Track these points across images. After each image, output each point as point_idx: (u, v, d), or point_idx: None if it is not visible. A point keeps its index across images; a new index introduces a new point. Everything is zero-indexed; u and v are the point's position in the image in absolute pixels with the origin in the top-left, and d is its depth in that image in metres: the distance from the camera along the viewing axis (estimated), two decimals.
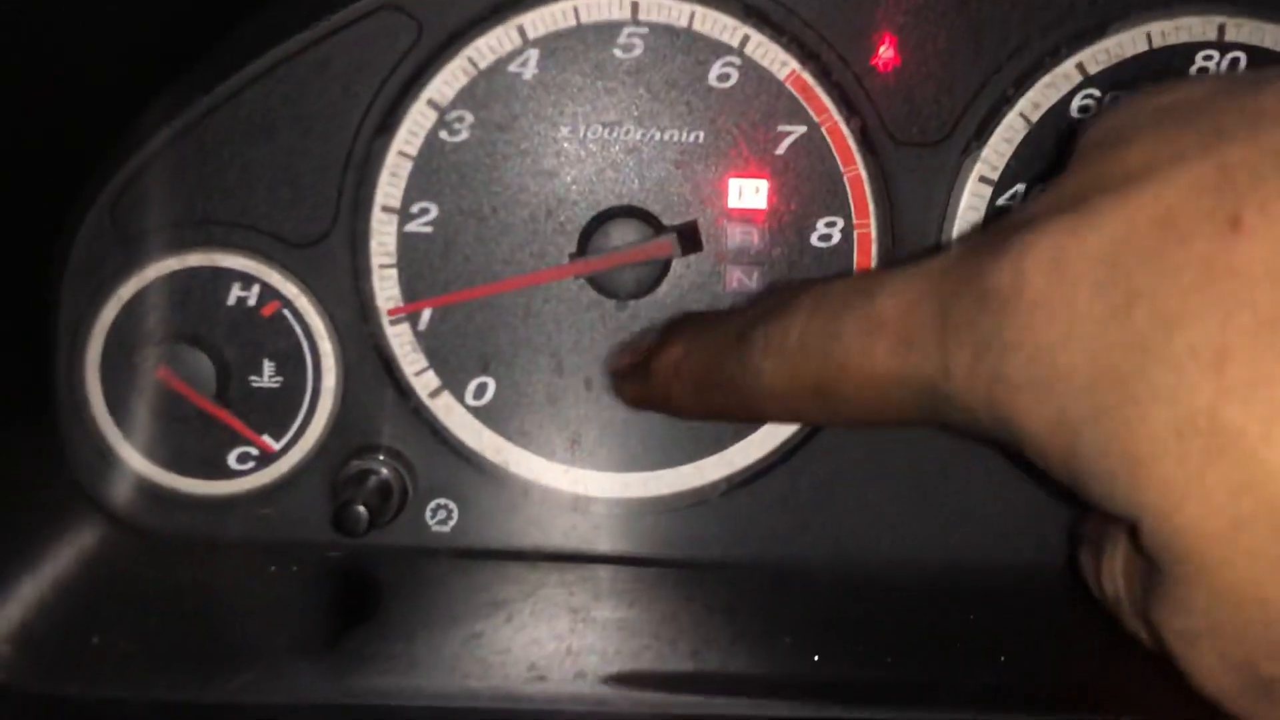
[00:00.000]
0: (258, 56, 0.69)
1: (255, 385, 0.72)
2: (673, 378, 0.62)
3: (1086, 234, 0.39)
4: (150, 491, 0.72)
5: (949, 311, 0.43)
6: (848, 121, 0.71)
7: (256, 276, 0.71)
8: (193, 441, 0.72)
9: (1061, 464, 0.41)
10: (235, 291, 0.71)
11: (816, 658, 0.62)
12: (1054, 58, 0.70)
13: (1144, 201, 0.38)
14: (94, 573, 0.68)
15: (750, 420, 0.64)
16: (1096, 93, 0.70)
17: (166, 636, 0.63)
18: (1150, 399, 0.37)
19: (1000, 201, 0.71)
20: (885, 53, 0.71)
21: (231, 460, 0.73)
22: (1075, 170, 0.44)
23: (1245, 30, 0.70)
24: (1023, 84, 0.70)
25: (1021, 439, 0.42)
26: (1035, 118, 0.71)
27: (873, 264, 0.72)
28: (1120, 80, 0.70)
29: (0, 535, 0.65)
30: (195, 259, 0.71)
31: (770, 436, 0.73)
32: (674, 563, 0.73)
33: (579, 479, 0.73)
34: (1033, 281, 0.39)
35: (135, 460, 0.72)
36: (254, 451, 0.72)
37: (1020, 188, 0.71)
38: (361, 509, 0.67)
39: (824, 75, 0.70)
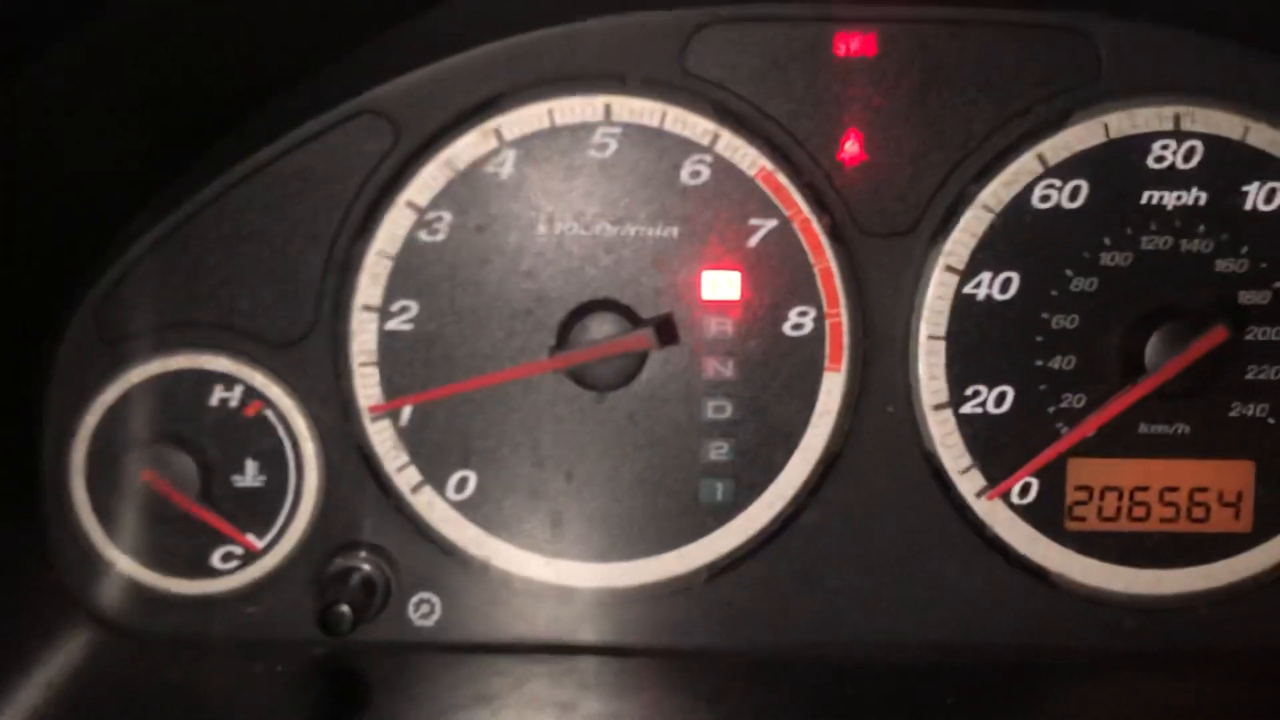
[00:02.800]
0: (240, 163, 0.71)
1: (239, 485, 0.73)
2: None
3: None
4: (137, 593, 0.73)
5: None
6: (817, 215, 0.73)
7: (239, 377, 0.72)
8: (178, 542, 0.73)
9: None
10: (218, 393, 0.72)
11: None
12: (1015, 151, 0.73)
13: None
14: (84, 675, 0.68)
15: None
16: (1057, 182, 0.73)
17: None
18: None
19: (966, 290, 0.73)
20: (851, 148, 0.73)
21: (216, 559, 0.73)
22: None
23: (1201, 120, 0.72)
24: (985, 176, 0.73)
25: None
26: (998, 208, 0.73)
27: (844, 352, 0.73)
28: (1080, 170, 0.72)
29: None
30: (178, 361, 0.72)
31: (750, 524, 0.74)
32: (659, 651, 0.74)
33: (561, 570, 0.74)
34: None
35: (121, 562, 0.73)
36: (238, 550, 0.73)
37: (986, 276, 0.73)
38: (345, 609, 0.68)
39: (793, 171, 0.72)
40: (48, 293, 0.71)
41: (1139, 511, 0.75)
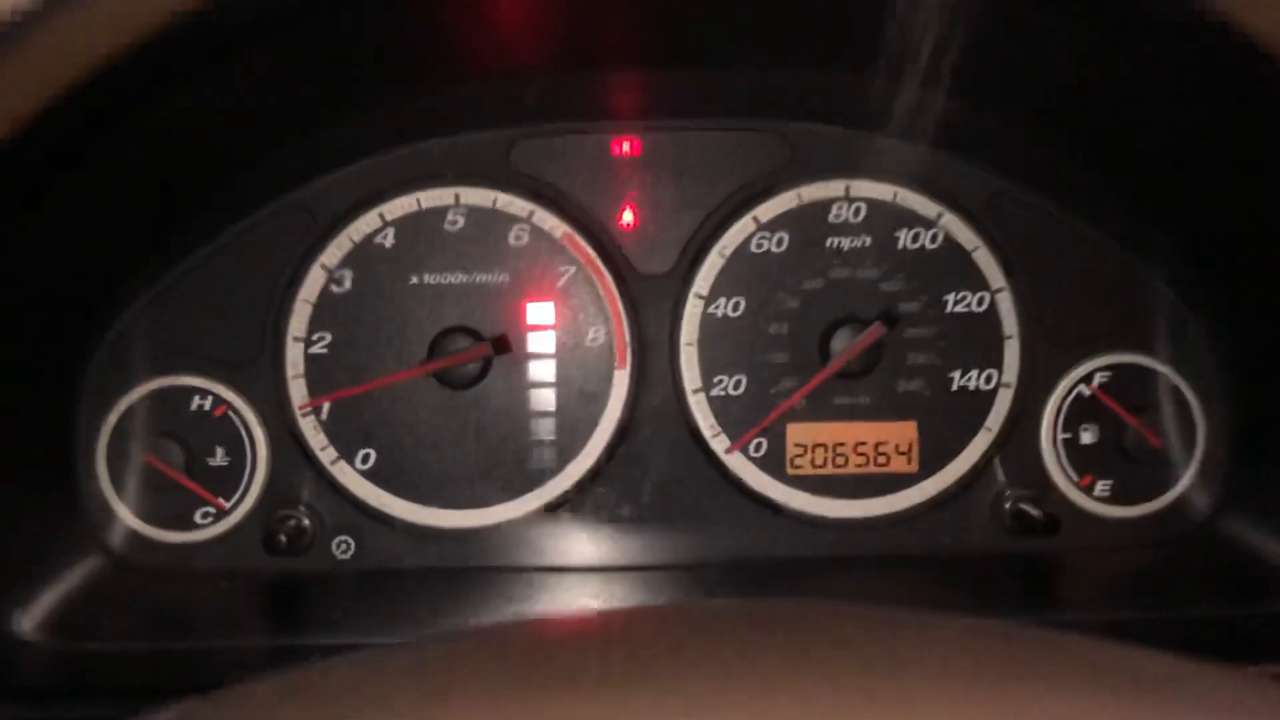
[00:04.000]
0: (206, 243, 1.04)
1: (212, 464, 1.05)
2: None
3: None
4: (139, 539, 1.04)
5: None
6: (604, 263, 1.06)
7: (209, 390, 1.05)
8: (169, 504, 1.04)
9: None
10: (196, 400, 1.05)
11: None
12: (737, 214, 1.06)
13: None
14: (100, 592, 0.99)
15: None
16: (768, 234, 1.06)
17: (153, 624, 0.95)
18: None
19: (709, 310, 1.06)
20: (628, 217, 1.06)
21: (196, 517, 1.05)
22: None
23: (865, 188, 1.06)
24: (718, 232, 1.06)
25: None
26: (728, 254, 1.06)
27: (628, 356, 1.06)
28: (783, 225, 1.06)
29: (37, 569, 0.97)
30: (168, 380, 1.04)
31: (566, 480, 1.06)
32: (502, 569, 1.05)
33: (436, 516, 1.06)
34: None
35: (129, 519, 1.05)
36: (212, 510, 1.05)
37: (722, 300, 1.06)
38: (281, 537, 0.99)
39: (586, 234, 1.06)
40: (77, 336, 1.03)
41: (840, 460, 1.06)
